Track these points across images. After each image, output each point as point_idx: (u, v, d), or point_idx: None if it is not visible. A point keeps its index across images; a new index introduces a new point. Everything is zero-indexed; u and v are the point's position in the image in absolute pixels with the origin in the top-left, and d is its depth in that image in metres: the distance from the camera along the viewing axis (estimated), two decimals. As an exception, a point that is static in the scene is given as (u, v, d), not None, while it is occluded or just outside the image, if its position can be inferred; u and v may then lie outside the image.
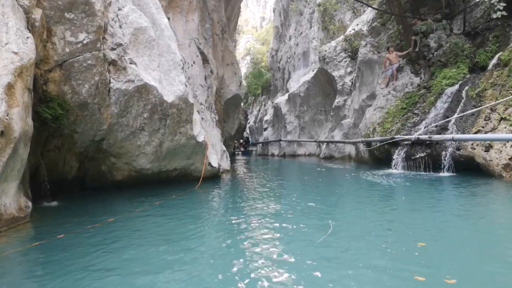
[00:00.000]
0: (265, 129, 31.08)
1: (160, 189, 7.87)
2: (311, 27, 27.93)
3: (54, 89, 5.90)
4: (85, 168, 7.55)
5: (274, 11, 40.63)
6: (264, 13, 69.10)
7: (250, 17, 73.43)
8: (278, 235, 3.81)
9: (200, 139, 8.55)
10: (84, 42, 5.91)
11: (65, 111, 6.04)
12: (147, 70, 7.14)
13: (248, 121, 45.20)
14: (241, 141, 36.43)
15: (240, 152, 34.18)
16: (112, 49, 6.68)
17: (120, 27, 6.85)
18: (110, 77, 6.55)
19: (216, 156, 9.93)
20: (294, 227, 4.17)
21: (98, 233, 4.17)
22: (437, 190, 6.72)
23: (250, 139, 39.38)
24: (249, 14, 74.03)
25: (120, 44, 6.76)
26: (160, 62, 7.42)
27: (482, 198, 5.91)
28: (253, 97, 46.44)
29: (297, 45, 29.61)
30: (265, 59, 45.54)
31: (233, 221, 4.67)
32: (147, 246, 3.60)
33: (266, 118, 32.74)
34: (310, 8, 27.86)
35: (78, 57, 5.93)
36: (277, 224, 4.35)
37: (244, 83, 22.00)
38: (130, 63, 6.80)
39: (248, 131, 42.96)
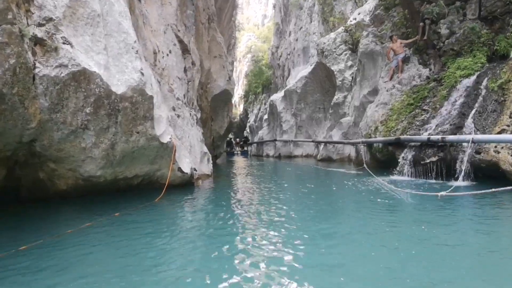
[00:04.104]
0: (264, 128, 29.63)
1: (113, 200, 6.48)
2: (311, 22, 26.53)
3: (-50, 74, 4.47)
4: (16, 176, 6.12)
5: (274, 7, 39.36)
6: (265, 11, 67.95)
7: (251, 15, 72.23)
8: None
9: (165, 139, 7.10)
10: (-12, 11, 4.46)
11: (-32, 104, 4.63)
12: (89, 53, 5.69)
13: (248, 120, 43.88)
14: (237, 140, 35.04)
15: (238, 152, 32.86)
16: (40, 24, 5.24)
17: (52, -3, 5.40)
18: (35, 60, 5.11)
19: (190, 160, 8.48)
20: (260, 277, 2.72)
21: None
22: (455, 207, 5.22)
23: (250, 138, 37.87)
24: (251, 12, 72.83)
25: (51, 19, 5.32)
26: (107, 43, 5.96)
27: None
28: (254, 96, 45.15)
29: (296, 40, 28.19)
30: (266, 56, 44.46)
31: (177, 265, 3.24)
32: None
33: (265, 117, 31.34)
34: (310, 1, 26.42)
35: (-19, 32, 4.49)
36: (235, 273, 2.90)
37: (234, 78, 20.54)
38: (64, 43, 5.35)
39: (248, 130, 41.74)
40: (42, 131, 5.62)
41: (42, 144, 5.79)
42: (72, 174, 6.41)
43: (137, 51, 6.27)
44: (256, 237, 3.93)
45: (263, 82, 41.52)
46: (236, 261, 3.14)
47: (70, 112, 5.63)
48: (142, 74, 6.25)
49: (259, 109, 39.39)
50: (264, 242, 3.71)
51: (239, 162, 20.89)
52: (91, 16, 5.75)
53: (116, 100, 5.97)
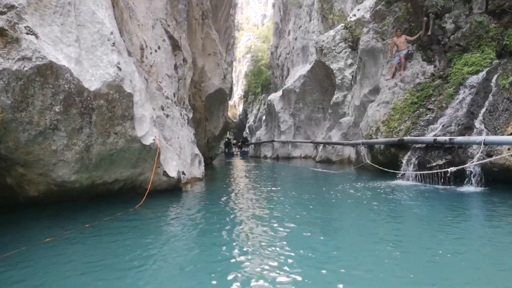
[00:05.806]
0: (264, 128, 28.98)
1: (90, 208, 5.93)
2: (310, 20, 25.95)
3: None
4: (-20, 181, 5.55)
5: (274, 6, 38.82)
6: (265, 10, 67.44)
7: (251, 15, 71.72)
8: None
9: (148, 141, 6.51)
10: None
11: None
12: (58, 45, 5.11)
13: (247, 120, 43.34)
14: (235, 141, 34.52)
15: (237, 153, 32.32)
16: (0, 13, 4.67)
17: (14, -18, 4.82)
18: (-7, 52, 4.53)
19: (178, 162, 7.90)
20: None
21: None
22: (469, 220, 4.63)
23: (249, 139, 37.27)
24: (250, 11, 72.32)
25: (12, 6, 4.74)
26: (80, 35, 5.39)
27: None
28: (253, 96, 44.62)
29: (295, 39, 27.60)
30: (265, 56, 43.92)
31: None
32: None
33: (264, 117, 30.77)
34: (309, -1, 25.85)
35: None
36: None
37: (233, 78, 19.96)
38: (28, 34, 4.77)
39: (247, 130, 41.27)
40: (6, 132, 5.04)
41: (7, 146, 5.21)
42: (43, 179, 5.83)
43: (113, 43, 5.68)
44: (243, 251, 3.34)
45: (262, 82, 41.01)
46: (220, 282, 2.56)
47: (36, 111, 5.06)
48: (119, 68, 5.67)
49: (258, 109, 38.88)
50: (251, 257, 3.12)
51: (236, 163, 20.29)
52: (61, 4, 5.17)
53: (89, 98, 5.38)
